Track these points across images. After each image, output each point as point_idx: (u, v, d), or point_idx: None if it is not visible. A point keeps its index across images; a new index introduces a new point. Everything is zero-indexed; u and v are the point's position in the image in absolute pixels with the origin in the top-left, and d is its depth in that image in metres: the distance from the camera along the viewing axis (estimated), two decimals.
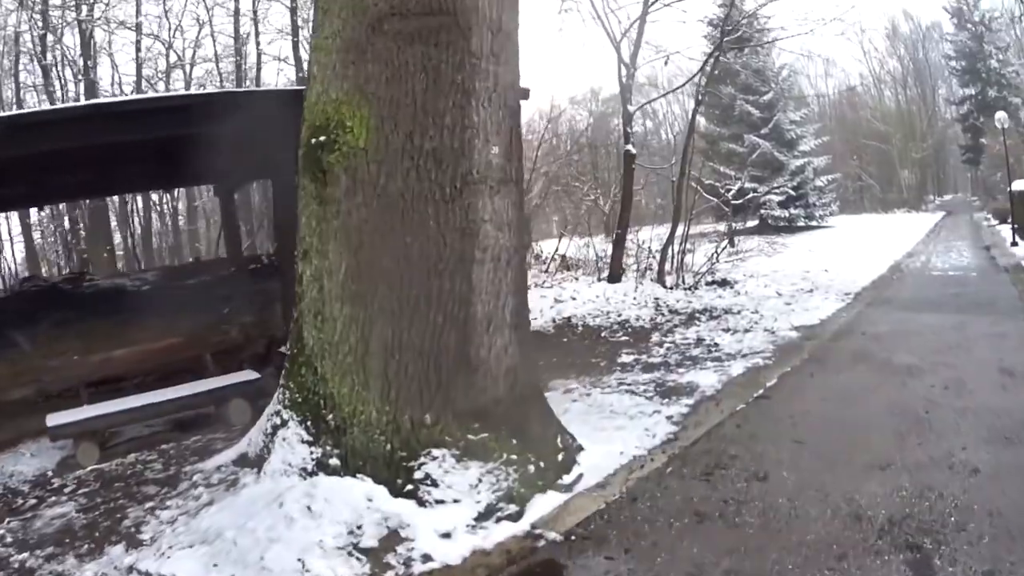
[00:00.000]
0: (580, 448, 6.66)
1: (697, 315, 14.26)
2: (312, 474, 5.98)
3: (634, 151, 17.21)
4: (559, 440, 6.55)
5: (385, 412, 6.04)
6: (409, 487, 5.75)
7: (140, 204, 34.19)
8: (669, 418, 7.70)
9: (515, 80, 6.64)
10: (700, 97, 17.48)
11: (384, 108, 6.15)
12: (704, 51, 17.35)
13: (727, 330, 12.49)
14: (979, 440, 6.16)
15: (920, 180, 61.47)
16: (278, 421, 6.49)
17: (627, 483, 6.07)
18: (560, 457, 6.39)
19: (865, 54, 66.03)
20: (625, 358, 11.04)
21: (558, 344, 12.75)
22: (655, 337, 12.54)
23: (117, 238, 32.73)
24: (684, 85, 17.36)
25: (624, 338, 12.83)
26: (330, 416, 6.18)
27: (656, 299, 15.53)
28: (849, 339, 11.09)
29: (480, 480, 5.78)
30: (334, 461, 6.04)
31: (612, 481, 6.16)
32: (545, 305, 15.68)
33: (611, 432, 7.28)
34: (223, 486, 6.54)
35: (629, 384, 9.34)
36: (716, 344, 11.39)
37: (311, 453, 6.13)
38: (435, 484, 5.74)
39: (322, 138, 6.25)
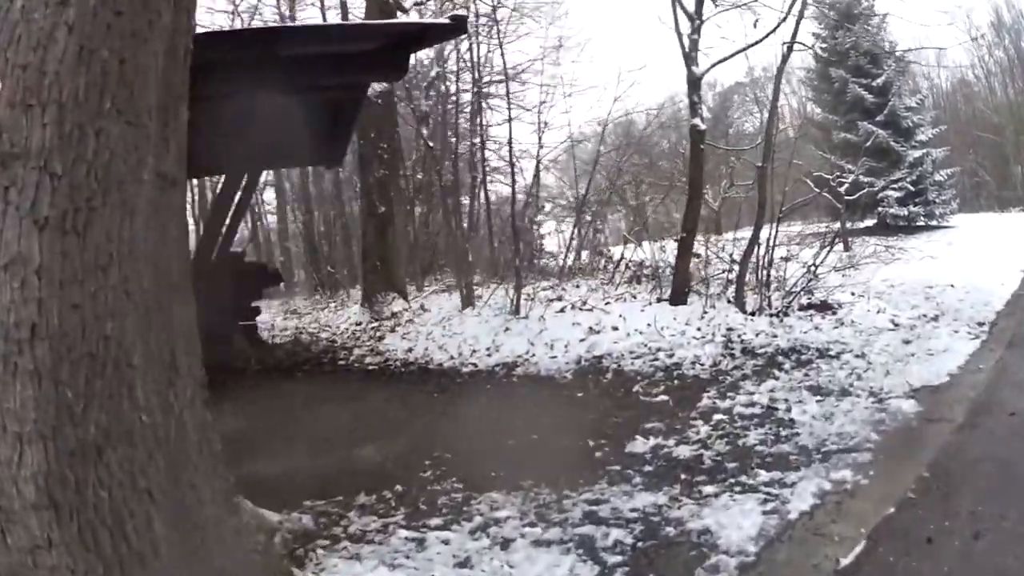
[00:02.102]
0: None
1: (779, 359, 10.01)
2: None
3: (703, 126, 12.76)
4: None
5: None
6: None
7: None
8: None
9: None
10: (786, 52, 12.88)
11: None
12: None
13: (815, 390, 8.45)
14: None
15: None
16: None
17: None
18: None
19: (975, 42, 59.65)
20: (639, 445, 7.21)
21: (565, 404, 9.20)
22: (707, 398, 8.58)
23: None
24: (767, 36, 12.53)
25: (662, 397, 8.92)
26: None
27: (728, 331, 11.24)
28: (992, 427, 6.79)
29: None
30: None
31: None
32: (574, 337, 11.69)
33: None
34: None
35: (599, 521, 5.48)
36: (791, 422, 7.39)
37: None
38: None
39: None
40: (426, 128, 19.94)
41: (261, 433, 8.73)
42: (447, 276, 19.43)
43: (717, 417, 7.80)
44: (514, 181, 16.17)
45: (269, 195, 34.51)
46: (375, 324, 14.82)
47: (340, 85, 9.91)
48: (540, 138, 17.87)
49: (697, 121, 12.69)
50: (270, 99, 9.72)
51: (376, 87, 15.10)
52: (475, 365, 11.44)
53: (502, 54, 17.96)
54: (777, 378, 9.03)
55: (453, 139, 20.95)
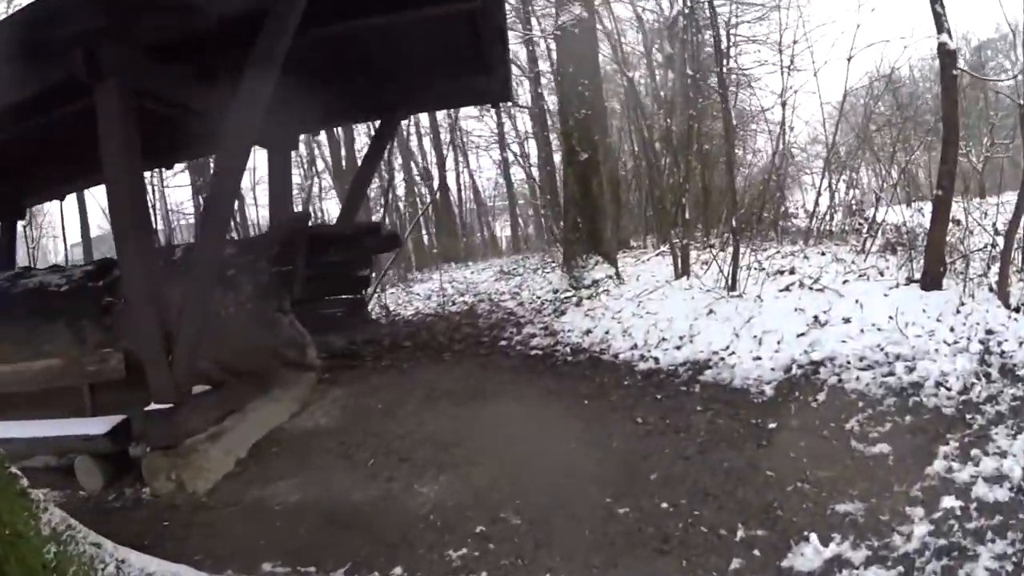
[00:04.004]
0: None
1: None
2: None
3: (952, 45, 9.28)
4: None
5: None
6: None
7: None
8: None
9: None
10: None
11: None
12: None
13: None
14: None
15: None
16: None
17: None
18: None
19: None
20: (807, 555, 4.84)
21: (743, 442, 6.64)
22: (942, 458, 5.80)
23: None
24: None
25: (882, 446, 6.14)
26: None
27: (987, 335, 7.89)
28: None
29: None
30: None
31: None
32: (792, 329, 8.64)
33: None
34: None
35: None
36: None
37: None
38: None
39: None
40: (672, 72, 17.61)
41: (337, 438, 7.62)
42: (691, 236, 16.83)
43: (946, 503, 5.21)
44: (728, 123, 13.36)
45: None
46: (569, 293, 12.53)
47: None
48: (785, 80, 15.64)
49: (945, 38, 9.18)
50: (386, 24, 8.40)
51: (570, 14, 12.96)
52: (656, 361, 8.87)
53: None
54: None
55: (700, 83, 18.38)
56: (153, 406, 6.87)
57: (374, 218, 23.22)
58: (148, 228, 7.53)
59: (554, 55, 16.72)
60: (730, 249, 10.76)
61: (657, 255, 14.56)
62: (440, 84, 11.24)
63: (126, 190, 6.99)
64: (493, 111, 25.08)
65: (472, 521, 5.52)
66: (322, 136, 25.22)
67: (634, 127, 20.40)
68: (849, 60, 13.85)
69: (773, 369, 7.96)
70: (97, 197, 26.73)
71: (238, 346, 8.19)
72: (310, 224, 11.80)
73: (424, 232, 29.74)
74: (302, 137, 22.26)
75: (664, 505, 5.50)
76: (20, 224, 15.54)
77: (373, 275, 14.83)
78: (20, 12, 6.86)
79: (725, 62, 17.71)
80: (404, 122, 26.49)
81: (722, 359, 8.46)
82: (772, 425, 6.82)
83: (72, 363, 8.00)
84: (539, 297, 13.36)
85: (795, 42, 16.06)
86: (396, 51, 8.93)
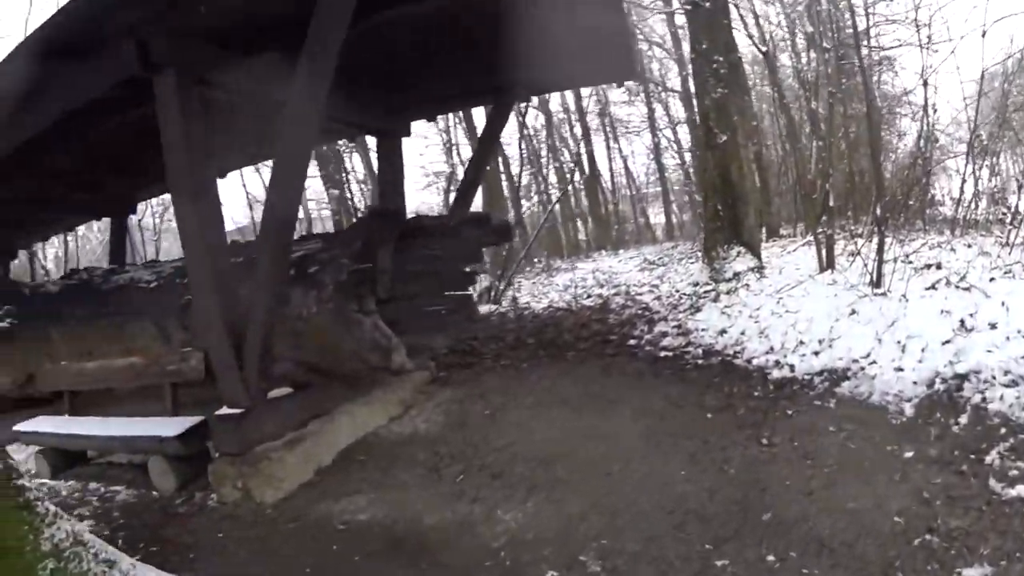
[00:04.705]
0: None
1: None
2: None
3: None
4: None
5: None
6: None
7: None
8: None
9: None
10: None
11: None
12: None
13: None
14: None
15: None
16: None
17: None
18: None
19: None
20: None
21: (872, 474, 5.81)
22: None
23: None
24: None
25: (1020, 489, 5.17)
26: None
27: None
28: None
29: None
30: None
31: None
32: (937, 335, 7.63)
33: None
34: None
35: None
36: None
37: None
38: None
39: None
40: (814, 51, 16.76)
41: (431, 448, 7.35)
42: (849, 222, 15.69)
43: None
44: (871, 104, 12.36)
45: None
46: (708, 287, 11.78)
47: None
48: (924, 59, 15.58)
49: None
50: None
51: None
52: (792, 368, 8.13)
53: None
54: None
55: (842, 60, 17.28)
56: (224, 411, 6.79)
57: (524, 206, 22.70)
58: (216, 224, 7.29)
59: None
60: (875, 240, 9.87)
61: (803, 244, 13.66)
62: (556, 64, 10.28)
63: (188, 186, 6.79)
64: (643, 95, 24.38)
65: (546, 563, 5.01)
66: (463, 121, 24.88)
67: (779, 109, 19.55)
68: (983, 36, 12.80)
69: (915, 383, 7.08)
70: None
71: (322, 347, 7.87)
72: (407, 216, 11.20)
73: (578, 220, 29.45)
74: (440, 124, 21.92)
75: (771, 558, 4.84)
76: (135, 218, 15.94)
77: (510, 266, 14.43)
78: (71, 4, 6.57)
79: (865, 42, 16.76)
80: (555, 108, 25.96)
81: (862, 368, 7.64)
82: (908, 454, 5.99)
83: (152, 362, 8.16)
84: (677, 290, 12.66)
85: (931, 18, 14.98)
86: (504, 29, 8.51)
